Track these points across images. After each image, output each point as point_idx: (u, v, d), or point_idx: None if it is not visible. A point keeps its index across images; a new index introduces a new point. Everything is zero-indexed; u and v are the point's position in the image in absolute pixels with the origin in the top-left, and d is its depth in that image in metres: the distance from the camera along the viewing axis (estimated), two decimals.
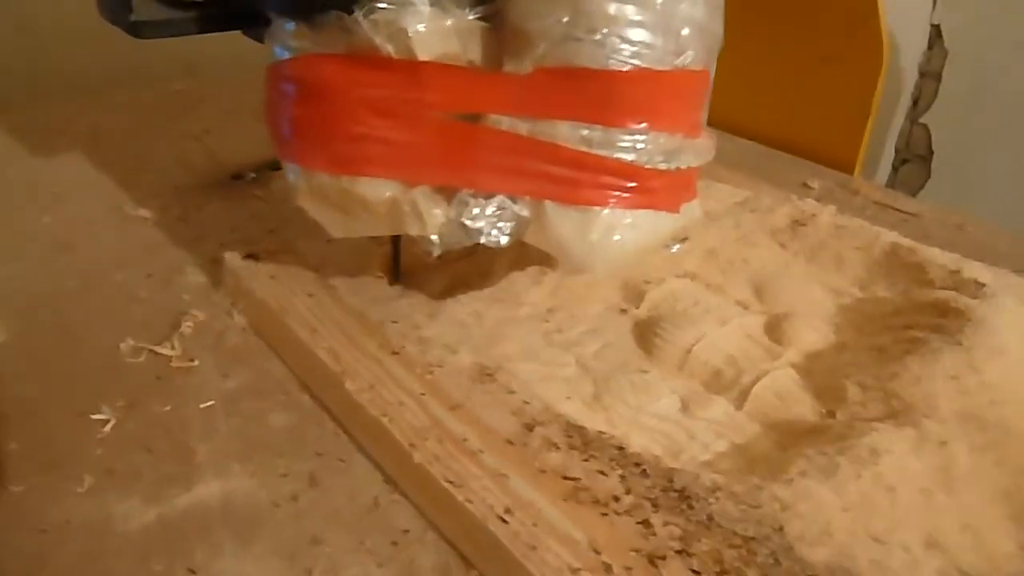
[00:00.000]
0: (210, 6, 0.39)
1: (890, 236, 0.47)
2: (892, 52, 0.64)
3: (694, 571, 0.25)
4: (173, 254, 0.46)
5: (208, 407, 0.35)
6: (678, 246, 0.41)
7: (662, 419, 0.34)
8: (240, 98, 0.71)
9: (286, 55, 0.34)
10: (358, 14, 0.31)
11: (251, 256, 0.42)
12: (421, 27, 0.31)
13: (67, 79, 0.73)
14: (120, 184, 0.55)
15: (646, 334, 0.39)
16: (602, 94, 0.31)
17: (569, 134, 0.32)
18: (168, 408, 0.35)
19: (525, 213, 0.33)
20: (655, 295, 0.42)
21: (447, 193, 0.33)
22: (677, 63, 0.32)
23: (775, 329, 0.40)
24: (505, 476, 0.29)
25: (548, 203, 0.32)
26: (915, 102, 1.80)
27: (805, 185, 0.61)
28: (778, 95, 0.69)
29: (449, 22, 0.31)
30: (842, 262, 0.47)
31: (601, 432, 0.31)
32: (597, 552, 0.26)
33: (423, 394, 0.33)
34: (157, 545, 0.28)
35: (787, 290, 0.44)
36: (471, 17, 0.32)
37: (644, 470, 0.29)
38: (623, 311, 0.42)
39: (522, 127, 0.32)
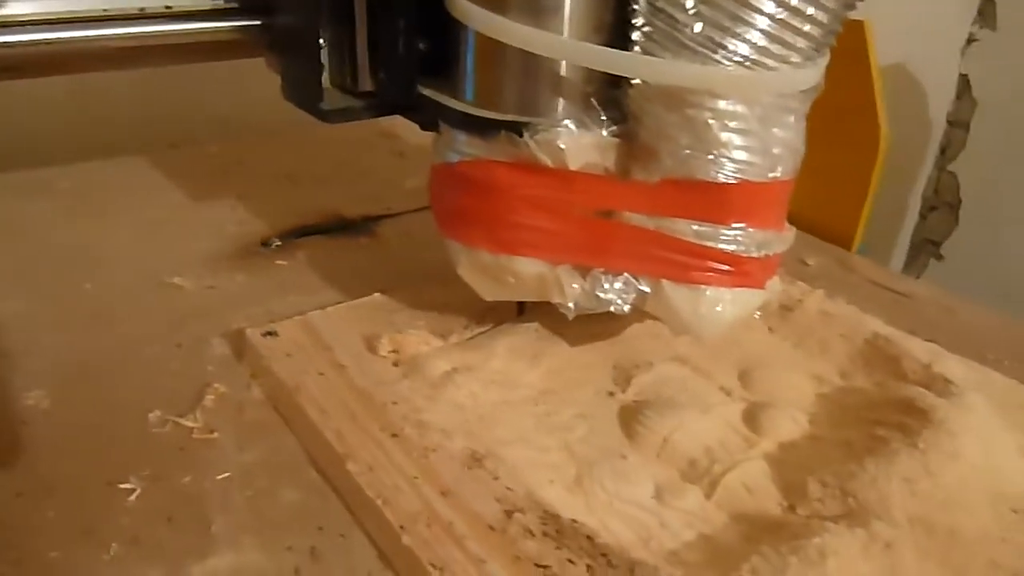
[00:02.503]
0: (379, 96, 0.45)
1: (873, 324, 0.50)
2: (889, 141, 0.66)
3: None
4: (202, 324, 0.50)
5: (224, 479, 0.39)
6: (759, 313, 0.47)
7: (637, 506, 0.37)
8: (272, 163, 0.76)
9: (456, 157, 0.42)
10: (526, 135, 0.39)
11: (270, 333, 0.46)
12: (571, 143, 0.39)
13: (105, 141, 0.78)
14: (157, 250, 0.59)
15: (630, 420, 0.42)
16: (713, 200, 0.39)
17: (685, 229, 0.40)
18: (188, 479, 0.38)
19: (646, 288, 0.41)
20: (643, 379, 0.45)
21: (583, 270, 0.42)
22: (771, 176, 0.40)
23: (753, 419, 0.43)
24: (483, 561, 0.32)
25: (665, 282, 0.41)
26: (943, 150, 1.81)
27: (803, 262, 0.64)
28: None
29: (591, 139, 0.40)
30: (826, 349, 0.49)
31: (574, 521, 0.34)
32: None
33: (416, 478, 0.36)
34: None
35: (771, 377, 0.47)
36: (606, 135, 0.40)
37: (610, 560, 0.32)
38: (611, 394, 0.45)
39: (648, 222, 0.40)
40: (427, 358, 0.44)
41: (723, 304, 0.41)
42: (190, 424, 0.42)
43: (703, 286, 0.41)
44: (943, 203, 1.83)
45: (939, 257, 1.84)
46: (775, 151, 0.39)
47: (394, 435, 0.38)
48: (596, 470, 0.39)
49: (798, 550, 0.32)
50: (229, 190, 0.70)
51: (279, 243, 0.61)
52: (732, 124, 0.38)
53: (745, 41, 0.36)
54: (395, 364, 0.44)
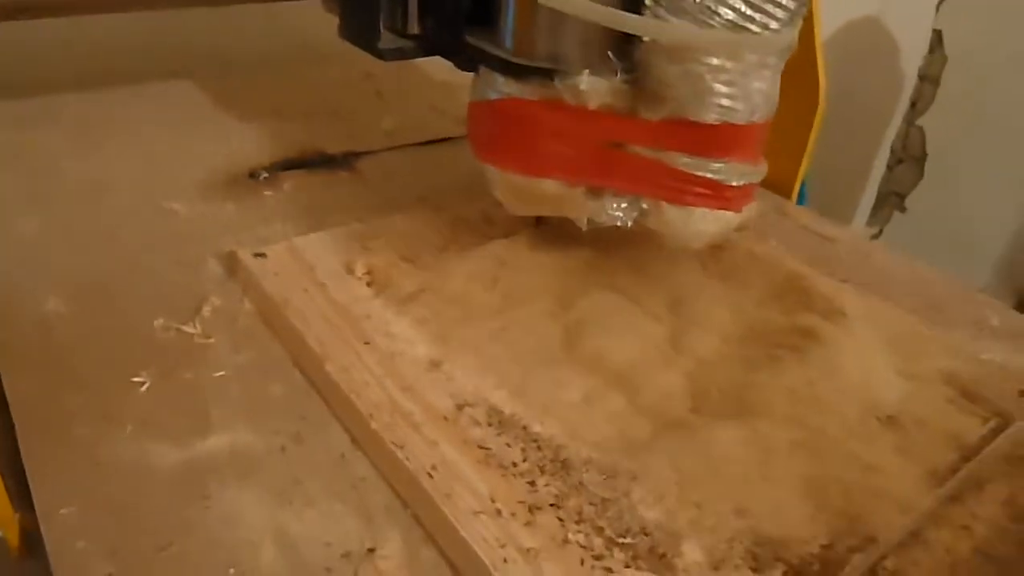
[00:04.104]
0: (426, 39, 0.53)
1: (793, 264, 0.57)
2: (828, 97, 0.72)
3: (560, 519, 0.36)
4: (197, 245, 0.56)
5: (221, 376, 0.45)
6: (736, 233, 0.55)
7: (568, 406, 0.44)
8: (260, 100, 0.80)
9: (494, 95, 0.49)
10: (557, 80, 0.47)
11: (260, 255, 0.52)
12: (591, 87, 0.46)
13: (108, 72, 0.82)
14: (154, 178, 0.65)
15: (569, 337, 0.49)
16: (703, 137, 0.47)
17: (680, 160, 0.47)
18: (190, 376, 0.45)
19: (647, 207, 0.49)
20: (584, 304, 0.52)
21: (597, 191, 0.50)
22: (751, 119, 0.47)
23: (675, 340, 0.50)
24: (436, 443, 0.39)
25: (664, 203, 0.49)
26: (913, 104, 1.87)
27: None
28: None
29: (607, 84, 0.47)
30: (748, 284, 0.56)
31: (514, 414, 0.41)
32: (493, 501, 0.36)
33: (384, 377, 0.43)
34: (182, 478, 0.39)
35: (696, 306, 0.53)
36: (620, 81, 0.47)
37: (539, 445, 0.39)
38: (555, 315, 0.51)
39: (650, 154, 0.48)
40: (397, 279, 0.50)
41: (708, 222, 0.49)
42: (191, 330, 0.48)
43: (693, 207, 0.49)
44: (910, 156, 1.89)
45: (903, 209, 1.91)
46: (755, 99, 0.46)
47: (366, 343, 0.45)
48: (536, 378, 0.46)
49: (691, 438, 0.39)
50: (219, 123, 0.75)
51: (267, 175, 0.67)
52: (721, 76, 0.45)
53: (734, 10, 0.43)
54: (369, 284, 0.50)
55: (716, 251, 0.59)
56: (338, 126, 0.76)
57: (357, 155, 0.72)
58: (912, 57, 1.79)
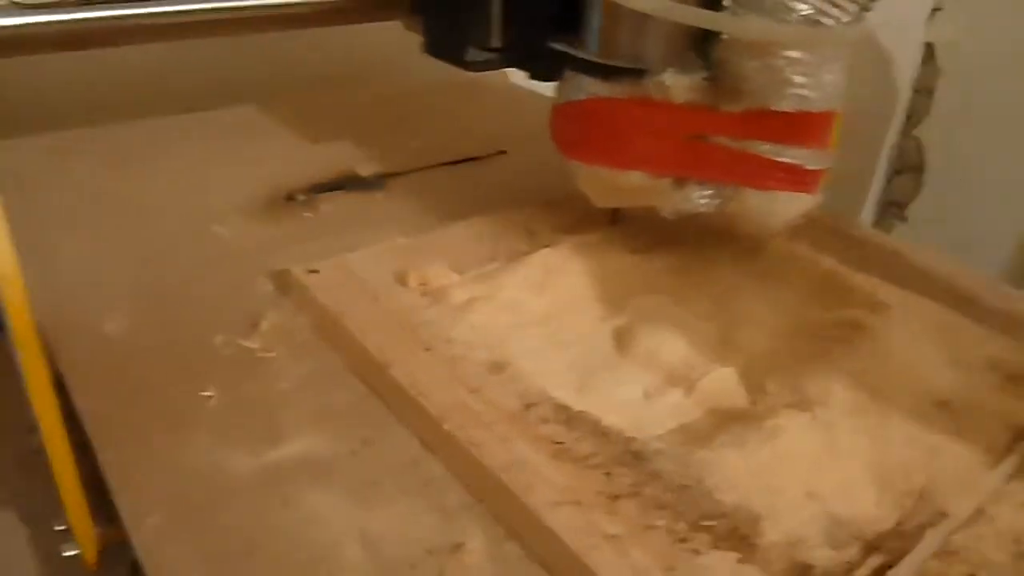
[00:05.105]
0: (508, 51, 0.57)
1: (828, 262, 0.58)
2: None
3: (641, 506, 0.36)
4: (245, 266, 0.57)
5: (285, 387, 0.46)
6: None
7: (629, 404, 0.45)
8: (285, 125, 0.82)
9: (581, 96, 0.53)
10: (647, 79, 0.50)
11: (313, 271, 0.53)
12: (675, 84, 0.50)
13: (143, 102, 0.84)
14: (197, 202, 0.66)
15: (621, 338, 0.50)
16: (782, 125, 0.49)
17: (760, 148, 0.50)
18: (256, 387, 0.46)
19: (729, 194, 0.52)
20: (631, 306, 0.53)
21: (681, 181, 0.52)
22: (824, 107, 0.49)
23: (724, 336, 0.51)
24: (509, 440, 0.40)
25: (745, 188, 0.51)
26: (909, 116, 1.89)
27: None
28: None
29: (690, 81, 0.50)
30: (788, 282, 0.57)
31: (581, 411, 0.42)
32: (573, 492, 0.37)
33: (449, 380, 0.44)
34: (260, 484, 0.40)
35: (740, 305, 0.55)
36: (702, 77, 0.50)
37: (609, 439, 0.40)
38: (605, 319, 0.53)
39: (732, 143, 0.50)
40: (449, 289, 0.51)
41: (786, 205, 0.52)
42: (252, 345, 0.49)
43: (773, 191, 0.51)
44: (908, 167, 1.92)
45: (903, 219, 1.93)
46: (828, 89, 0.49)
47: (427, 349, 0.46)
48: (595, 377, 0.47)
49: (758, 429, 0.40)
50: (252, 149, 0.76)
51: (304, 198, 0.68)
52: (799, 68, 0.47)
53: (809, 5, 0.46)
54: (423, 295, 0.51)
55: (752, 252, 0.60)
56: (368, 148, 0.78)
57: (389, 176, 0.73)
58: (906, 70, 1.82)
